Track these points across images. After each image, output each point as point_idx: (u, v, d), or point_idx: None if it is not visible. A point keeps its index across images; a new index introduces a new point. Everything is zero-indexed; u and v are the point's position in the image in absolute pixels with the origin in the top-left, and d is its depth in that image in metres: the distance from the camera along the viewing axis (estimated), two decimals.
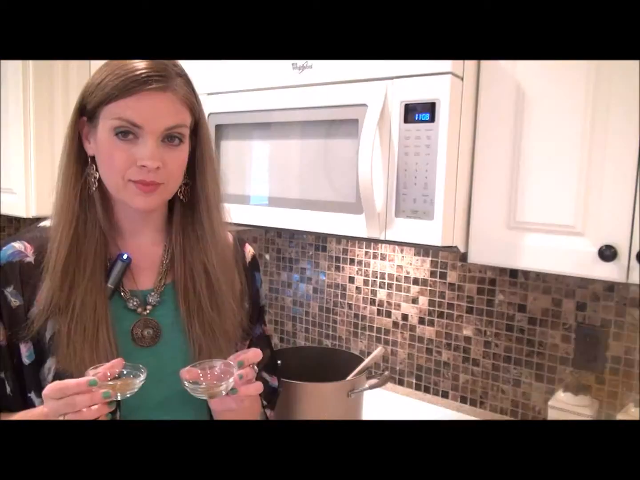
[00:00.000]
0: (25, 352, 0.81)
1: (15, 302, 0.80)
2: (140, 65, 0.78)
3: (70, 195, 0.83)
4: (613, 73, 0.96)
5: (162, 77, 0.79)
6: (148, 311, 0.87)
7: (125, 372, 0.74)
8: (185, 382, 0.76)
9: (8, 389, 0.82)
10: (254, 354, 0.81)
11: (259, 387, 0.80)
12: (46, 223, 0.87)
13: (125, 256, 0.84)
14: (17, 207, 1.79)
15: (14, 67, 1.77)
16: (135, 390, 0.73)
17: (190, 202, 0.89)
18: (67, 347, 0.79)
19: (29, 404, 0.82)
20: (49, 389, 0.70)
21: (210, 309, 0.87)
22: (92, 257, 0.82)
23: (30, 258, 0.82)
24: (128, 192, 0.80)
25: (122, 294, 0.86)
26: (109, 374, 0.72)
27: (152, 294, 0.88)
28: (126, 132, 0.78)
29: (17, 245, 0.83)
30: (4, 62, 1.80)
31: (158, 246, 0.91)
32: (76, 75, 1.79)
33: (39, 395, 0.78)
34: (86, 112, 0.82)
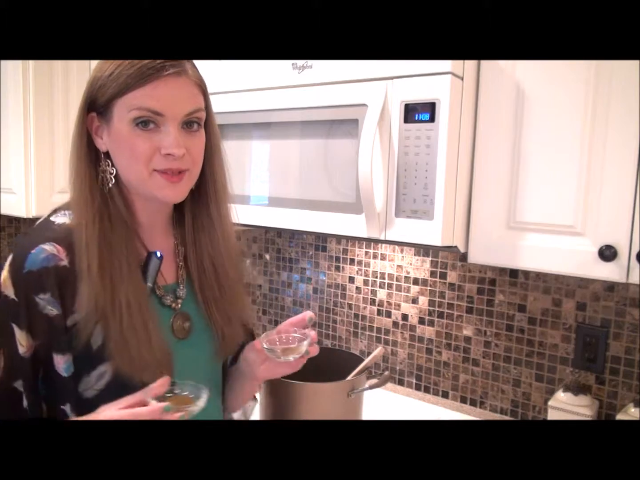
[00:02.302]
0: (63, 364, 0.76)
1: (52, 310, 0.74)
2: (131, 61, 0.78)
3: (87, 193, 0.79)
4: (613, 73, 0.96)
5: (176, 62, 0.78)
6: (180, 305, 0.87)
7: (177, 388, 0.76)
8: (266, 346, 0.87)
9: (25, 402, 0.76)
10: (310, 316, 0.93)
11: (318, 348, 0.93)
12: (58, 219, 0.79)
13: (158, 253, 0.83)
14: (17, 207, 1.79)
15: (14, 67, 1.77)
16: (201, 407, 0.74)
17: (199, 191, 0.88)
18: (125, 352, 0.75)
19: (58, 418, 0.77)
20: (121, 416, 0.70)
21: (226, 297, 0.89)
22: (125, 255, 0.78)
23: (65, 262, 0.75)
24: (155, 183, 0.78)
25: (156, 291, 0.85)
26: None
27: (181, 287, 0.88)
28: (147, 122, 0.76)
29: (49, 247, 0.74)
30: (4, 62, 1.80)
31: (170, 238, 0.90)
32: (76, 75, 1.79)
33: (76, 408, 0.77)
34: (96, 107, 0.78)
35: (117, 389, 0.75)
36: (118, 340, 0.75)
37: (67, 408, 0.78)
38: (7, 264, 0.75)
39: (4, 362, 0.74)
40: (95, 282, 0.75)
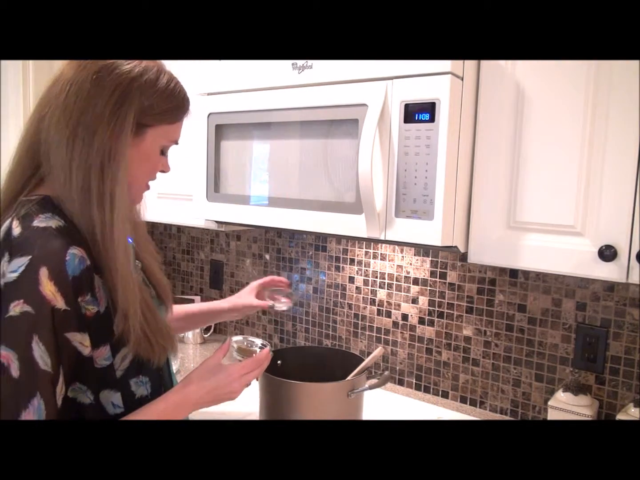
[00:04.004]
0: (105, 354, 0.79)
1: (93, 309, 0.76)
2: (181, 84, 0.87)
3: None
4: (613, 73, 0.96)
5: None
6: (141, 277, 0.93)
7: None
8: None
9: (91, 397, 0.80)
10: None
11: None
12: (50, 223, 0.77)
13: (130, 240, 0.90)
14: None
15: (14, 67, 1.77)
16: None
17: None
18: (144, 336, 0.81)
19: (100, 409, 0.80)
20: (244, 365, 0.91)
21: (153, 266, 0.98)
22: (129, 248, 0.83)
23: (89, 260, 0.76)
24: (142, 191, 0.91)
25: None
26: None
27: (137, 262, 0.95)
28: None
29: (76, 251, 0.75)
30: (4, 62, 1.80)
31: None
32: None
33: (120, 389, 0.82)
34: (137, 124, 0.81)
35: (137, 366, 0.83)
36: (137, 325, 0.80)
37: (107, 393, 0.81)
38: (41, 277, 0.71)
39: (62, 377, 0.73)
40: (122, 271, 0.79)
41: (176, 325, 1.16)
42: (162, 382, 0.89)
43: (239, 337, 1.01)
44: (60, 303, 0.72)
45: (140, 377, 0.84)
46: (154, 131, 0.83)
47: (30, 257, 0.72)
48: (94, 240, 0.78)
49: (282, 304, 1.23)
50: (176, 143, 0.89)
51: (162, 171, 0.91)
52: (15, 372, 0.68)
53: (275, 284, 1.32)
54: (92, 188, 0.77)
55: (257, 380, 1.22)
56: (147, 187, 0.91)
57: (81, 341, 0.75)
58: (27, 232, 0.75)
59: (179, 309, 1.23)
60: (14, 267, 0.71)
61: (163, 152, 0.89)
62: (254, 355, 0.91)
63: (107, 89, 0.78)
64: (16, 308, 0.69)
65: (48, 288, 0.71)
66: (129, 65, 0.80)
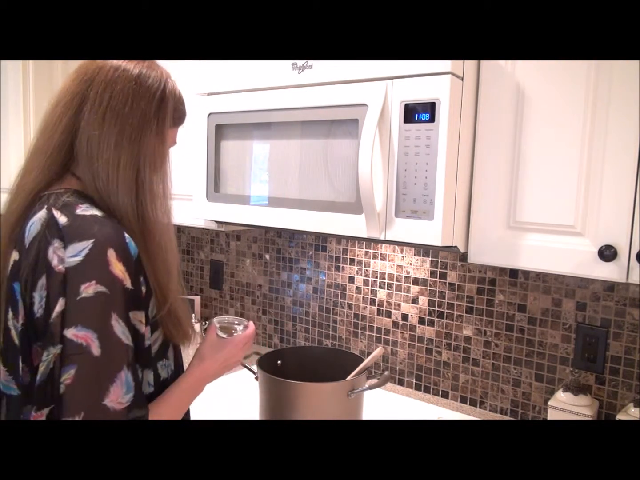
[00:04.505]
0: (148, 335, 0.83)
1: (144, 290, 0.81)
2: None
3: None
4: (613, 73, 0.96)
5: None
6: None
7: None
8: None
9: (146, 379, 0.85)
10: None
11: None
12: (95, 212, 0.79)
13: None
14: None
15: (14, 67, 1.77)
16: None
17: None
18: (177, 322, 0.87)
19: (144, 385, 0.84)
20: (243, 344, 0.98)
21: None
22: (175, 236, 0.90)
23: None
24: None
25: None
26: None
27: None
28: None
29: (127, 235, 0.79)
30: (4, 62, 1.80)
31: None
32: None
33: (153, 369, 0.86)
34: (167, 122, 0.87)
35: (164, 349, 0.88)
36: (172, 312, 0.85)
37: (146, 373, 0.85)
38: (110, 258, 0.74)
39: (132, 353, 0.77)
40: (167, 263, 0.85)
41: None
42: (180, 365, 0.94)
43: (219, 318, 1.07)
44: (129, 282, 0.76)
45: (164, 360, 0.88)
46: (171, 132, 0.90)
47: (93, 240, 0.74)
48: (132, 230, 0.81)
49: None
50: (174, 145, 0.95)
51: None
52: (96, 350, 0.71)
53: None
54: (145, 183, 0.83)
55: (257, 379, 1.23)
56: None
57: (140, 319, 0.79)
58: (77, 220, 0.77)
59: None
60: (74, 252, 0.73)
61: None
62: (233, 331, 1.02)
63: (149, 92, 0.84)
64: (89, 289, 0.72)
65: (118, 268, 0.74)
66: (156, 72, 0.86)
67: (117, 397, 0.71)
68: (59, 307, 0.71)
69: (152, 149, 0.84)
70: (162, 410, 0.84)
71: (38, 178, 0.84)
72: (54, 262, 0.73)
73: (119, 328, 0.73)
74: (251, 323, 1.04)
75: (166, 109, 0.86)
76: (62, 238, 0.75)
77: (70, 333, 0.71)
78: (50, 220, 0.77)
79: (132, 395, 0.73)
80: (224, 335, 1.00)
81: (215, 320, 1.04)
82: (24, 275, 0.76)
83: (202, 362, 0.93)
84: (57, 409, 0.70)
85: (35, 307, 0.74)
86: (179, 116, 0.91)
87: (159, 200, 0.85)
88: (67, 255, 0.73)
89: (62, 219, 0.76)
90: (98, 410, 0.70)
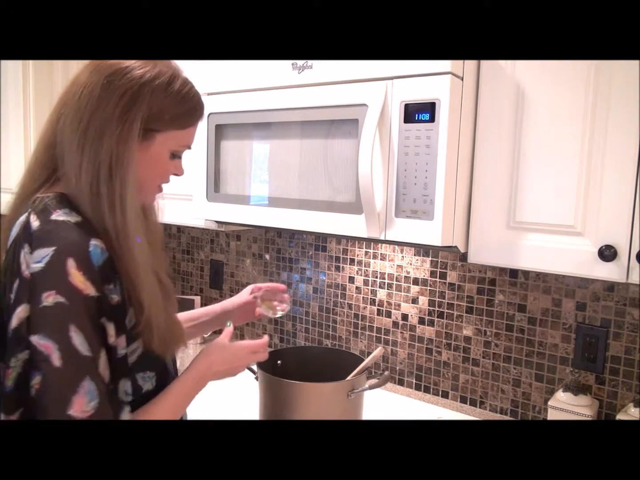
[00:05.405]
0: (123, 344, 0.81)
1: (116, 297, 0.79)
2: (195, 89, 0.86)
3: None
4: (613, 73, 0.96)
5: None
6: None
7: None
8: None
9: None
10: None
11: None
12: (70, 218, 0.78)
13: (139, 239, 0.92)
14: None
15: (14, 67, 1.77)
16: None
17: None
18: (153, 333, 0.83)
19: (116, 396, 0.82)
20: (251, 348, 0.99)
21: (160, 262, 0.99)
22: (144, 246, 0.85)
23: (108, 252, 0.79)
24: (154, 193, 0.91)
25: None
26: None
27: None
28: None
29: (97, 242, 0.77)
30: (4, 62, 1.80)
31: None
32: None
33: (130, 378, 0.83)
34: (144, 129, 0.81)
35: (145, 361, 0.84)
36: (152, 320, 0.82)
37: (122, 382, 0.83)
38: (69, 269, 0.73)
39: (106, 361, 0.76)
40: (139, 265, 0.81)
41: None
42: (168, 378, 0.90)
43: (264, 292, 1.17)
44: (92, 291, 0.74)
45: (147, 372, 0.86)
46: (163, 136, 0.84)
47: (54, 248, 0.74)
48: (108, 238, 0.79)
49: (278, 310, 1.22)
50: (188, 148, 0.89)
51: (175, 174, 0.91)
52: (57, 361, 0.70)
53: (269, 294, 1.25)
54: (101, 190, 0.79)
55: (257, 380, 1.23)
56: (159, 189, 0.92)
57: (108, 329, 0.78)
58: (47, 225, 0.77)
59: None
60: (38, 258, 0.73)
61: (175, 156, 0.88)
62: (272, 311, 1.15)
63: (116, 93, 0.79)
64: (49, 298, 0.72)
65: (77, 278, 0.73)
66: (141, 70, 0.80)
67: (81, 407, 0.71)
68: (24, 312, 0.72)
69: (115, 156, 0.79)
70: (165, 402, 0.84)
71: (32, 180, 0.84)
72: (23, 266, 0.74)
73: (77, 339, 0.72)
74: (265, 336, 1.04)
75: (137, 112, 0.79)
76: (30, 243, 0.75)
77: (34, 340, 0.71)
78: (26, 224, 0.77)
79: (97, 402, 0.72)
80: (263, 307, 1.11)
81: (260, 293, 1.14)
82: (3, 277, 0.77)
83: (207, 357, 0.93)
84: (30, 412, 0.71)
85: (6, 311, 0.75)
86: (171, 117, 0.83)
87: (117, 207, 0.79)
88: (32, 261, 0.73)
89: (34, 224, 0.77)
90: (63, 420, 0.70)
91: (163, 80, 0.81)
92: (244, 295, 1.22)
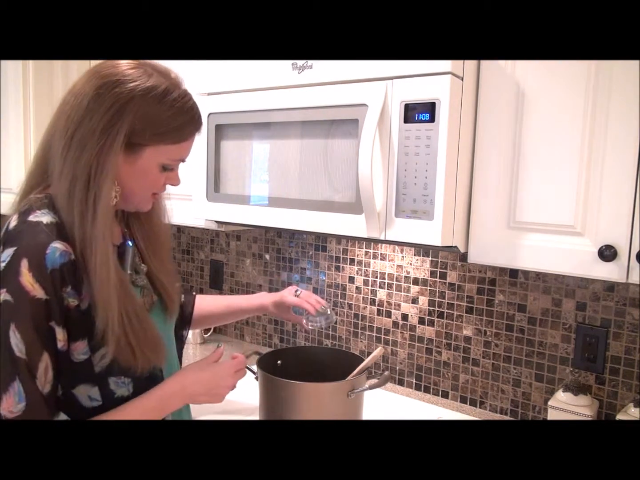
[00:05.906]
0: (82, 349, 0.81)
1: (74, 302, 0.79)
2: (193, 102, 0.87)
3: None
4: (613, 73, 0.96)
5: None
6: (144, 281, 0.96)
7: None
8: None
9: (60, 391, 0.82)
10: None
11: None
12: (43, 219, 0.80)
13: (131, 243, 0.93)
14: None
15: (14, 67, 1.77)
16: None
17: None
18: (124, 338, 0.82)
19: (72, 401, 0.82)
20: (228, 373, 0.96)
21: (162, 267, 1.00)
22: (112, 250, 0.83)
23: (73, 255, 0.79)
24: (147, 201, 0.91)
25: (130, 274, 0.92)
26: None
27: (142, 266, 0.97)
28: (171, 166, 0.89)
29: (59, 245, 0.78)
30: (4, 62, 1.80)
31: (117, 227, 0.95)
32: (76, 75, 1.79)
33: (98, 384, 0.83)
34: (130, 143, 0.82)
35: (119, 367, 0.83)
36: (117, 330, 0.81)
37: (80, 388, 0.83)
38: (22, 268, 0.75)
39: (52, 364, 0.77)
40: (98, 273, 0.80)
41: (216, 315, 1.28)
42: (148, 385, 0.88)
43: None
44: (40, 293, 0.75)
45: (122, 378, 0.85)
46: (152, 149, 0.84)
47: (15, 248, 0.76)
48: (75, 243, 0.80)
49: (317, 322, 1.26)
50: (182, 161, 0.89)
51: (171, 184, 0.92)
52: None
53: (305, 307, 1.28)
54: (75, 198, 0.80)
55: (257, 379, 1.23)
56: (154, 197, 0.92)
57: (57, 333, 0.78)
58: (20, 226, 0.79)
59: (220, 300, 1.31)
60: (3, 257, 0.76)
61: (167, 168, 0.88)
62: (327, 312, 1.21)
63: (104, 106, 0.79)
64: (0, 296, 0.74)
65: (27, 279, 0.75)
66: (132, 83, 0.80)
67: (9, 406, 0.72)
68: None
69: (94, 168, 0.79)
70: (116, 414, 0.82)
71: (31, 180, 0.87)
72: None
73: (14, 339, 0.73)
74: (241, 355, 1.02)
75: (121, 127, 0.79)
76: (4, 242, 0.78)
77: None
78: (7, 224, 0.81)
79: (25, 405, 0.73)
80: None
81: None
82: None
83: (182, 376, 0.91)
84: None
85: None
86: (161, 132, 0.83)
87: (88, 216, 0.80)
88: (0, 260, 0.76)
89: (12, 223, 0.80)
90: None
91: (155, 93, 0.81)
92: (286, 294, 1.29)
